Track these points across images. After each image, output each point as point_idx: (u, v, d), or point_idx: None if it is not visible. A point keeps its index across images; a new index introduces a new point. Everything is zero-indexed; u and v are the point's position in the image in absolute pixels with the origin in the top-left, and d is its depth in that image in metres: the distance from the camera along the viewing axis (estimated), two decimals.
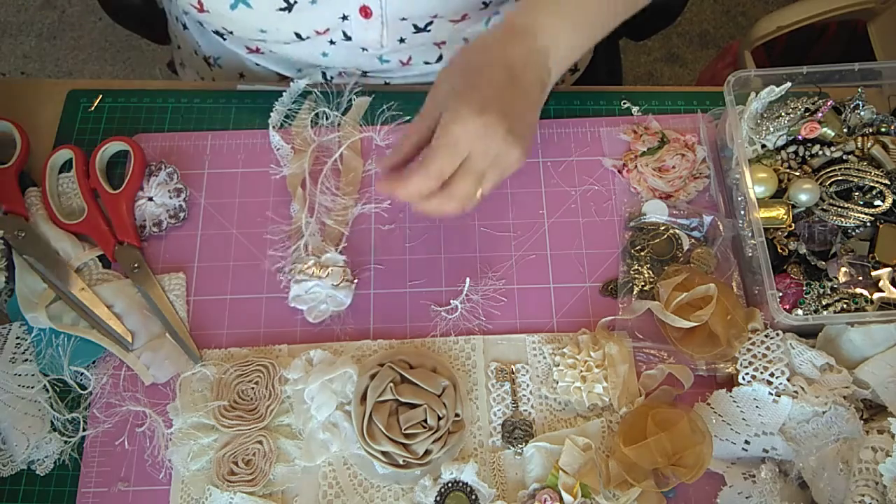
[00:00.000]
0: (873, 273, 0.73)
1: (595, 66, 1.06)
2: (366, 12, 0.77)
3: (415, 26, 0.79)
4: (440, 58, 0.87)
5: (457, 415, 0.70)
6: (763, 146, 0.79)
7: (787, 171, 0.77)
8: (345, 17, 0.78)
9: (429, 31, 0.80)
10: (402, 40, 0.81)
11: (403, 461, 0.68)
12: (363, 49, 0.82)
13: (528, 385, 0.73)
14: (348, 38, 0.80)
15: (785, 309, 0.72)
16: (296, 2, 0.75)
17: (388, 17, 0.78)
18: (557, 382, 0.72)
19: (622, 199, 0.81)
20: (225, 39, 0.87)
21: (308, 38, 0.80)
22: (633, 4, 0.74)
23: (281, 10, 0.75)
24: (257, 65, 0.91)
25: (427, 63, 0.88)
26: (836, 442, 0.66)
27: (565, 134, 0.84)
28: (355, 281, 0.76)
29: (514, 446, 0.71)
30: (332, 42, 0.81)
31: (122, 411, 0.72)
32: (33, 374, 0.72)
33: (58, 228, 0.77)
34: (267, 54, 0.88)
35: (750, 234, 0.73)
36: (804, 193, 0.75)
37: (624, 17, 0.74)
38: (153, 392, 0.73)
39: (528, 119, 0.67)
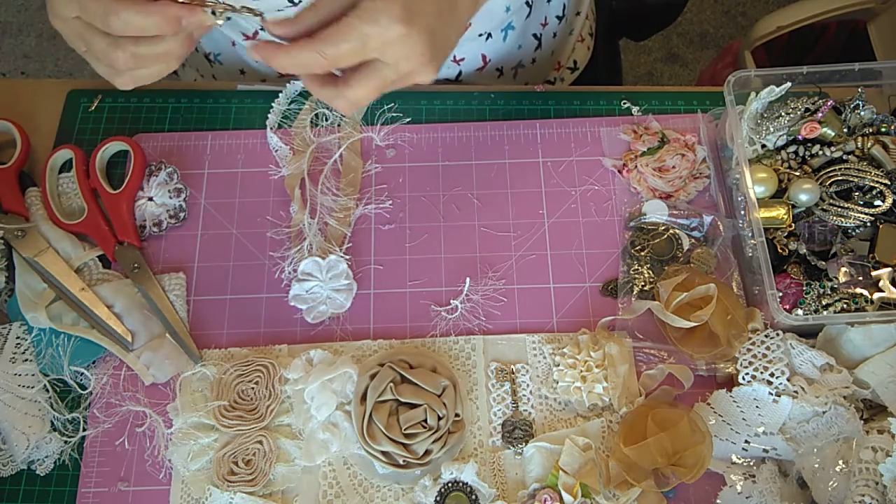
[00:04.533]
0: (873, 273, 0.73)
1: (595, 66, 1.06)
2: None
3: None
4: None
5: (457, 415, 0.70)
6: (763, 146, 0.79)
7: (787, 171, 0.77)
8: None
9: None
10: None
11: (403, 461, 0.68)
12: None
13: (528, 385, 0.73)
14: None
15: (785, 309, 0.72)
16: None
17: None
18: (557, 382, 0.72)
19: (622, 199, 0.81)
20: (222, 25, 0.86)
21: (301, 2, 0.78)
22: None
23: None
24: (257, 59, 0.90)
25: None
26: (836, 442, 0.66)
27: (565, 134, 0.84)
28: (356, 286, 0.76)
29: (514, 446, 0.71)
30: None
31: (122, 411, 0.72)
32: (33, 374, 0.72)
33: (58, 228, 0.77)
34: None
35: (750, 234, 0.73)
36: (804, 193, 0.75)
37: None
38: (153, 392, 0.73)
39: (452, 41, 0.59)
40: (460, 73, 0.92)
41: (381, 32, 0.54)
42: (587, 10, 1.02)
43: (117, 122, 0.85)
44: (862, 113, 0.78)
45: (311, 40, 0.55)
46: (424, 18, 0.56)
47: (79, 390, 0.72)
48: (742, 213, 0.76)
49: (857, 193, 0.76)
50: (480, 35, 0.88)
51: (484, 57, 0.91)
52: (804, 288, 0.73)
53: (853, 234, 0.75)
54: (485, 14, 0.78)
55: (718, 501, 0.68)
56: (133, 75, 0.62)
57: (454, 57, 0.89)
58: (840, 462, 0.65)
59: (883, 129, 0.78)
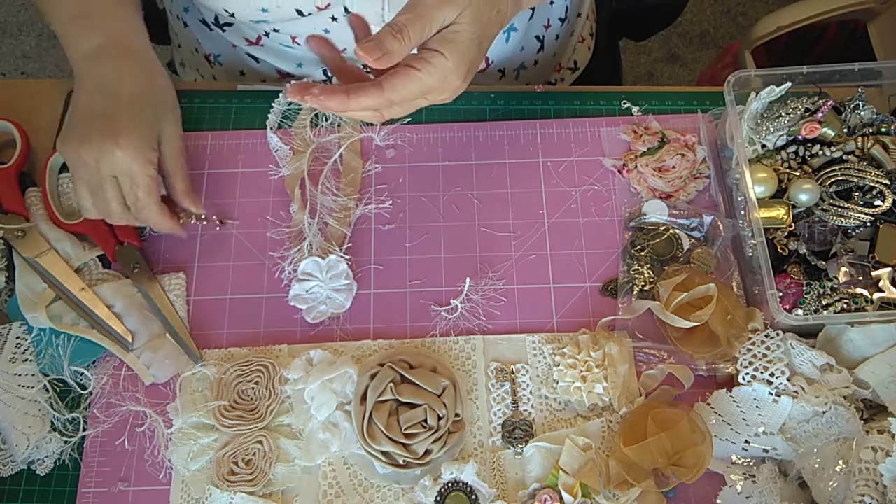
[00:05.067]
0: (873, 273, 0.73)
1: (595, 66, 1.06)
2: None
3: None
4: None
5: (457, 415, 0.70)
6: (763, 146, 0.79)
7: (787, 171, 0.77)
8: None
9: None
10: None
11: (403, 461, 0.68)
12: None
13: (528, 385, 0.73)
14: (349, 13, 0.79)
15: (785, 309, 0.72)
16: None
17: None
18: (557, 382, 0.72)
19: (622, 199, 0.81)
20: (225, 31, 0.86)
21: (310, 14, 0.78)
22: None
23: None
24: (258, 61, 0.91)
25: None
26: (836, 442, 0.66)
27: (565, 134, 0.84)
28: (356, 286, 0.76)
29: (514, 446, 0.71)
30: (333, 18, 0.80)
31: (122, 411, 0.72)
32: (33, 374, 0.73)
33: (58, 228, 0.77)
34: (267, 47, 0.87)
35: (750, 234, 0.73)
36: (804, 193, 0.75)
37: None
38: (153, 392, 0.73)
39: None
40: None
41: (445, 86, 0.63)
42: (588, 11, 1.02)
43: None
44: (862, 113, 0.78)
45: (381, 88, 0.61)
46: (475, 68, 0.64)
47: (79, 390, 0.72)
48: (742, 213, 0.76)
49: (857, 193, 0.76)
50: None
51: (486, 59, 0.91)
52: (804, 288, 0.73)
53: (853, 234, 0.75)
54: None
55: (718, 501, 0.68)
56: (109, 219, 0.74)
57: None
58: (840, 462, 0.65)
59: (883, 129, 0.78)
